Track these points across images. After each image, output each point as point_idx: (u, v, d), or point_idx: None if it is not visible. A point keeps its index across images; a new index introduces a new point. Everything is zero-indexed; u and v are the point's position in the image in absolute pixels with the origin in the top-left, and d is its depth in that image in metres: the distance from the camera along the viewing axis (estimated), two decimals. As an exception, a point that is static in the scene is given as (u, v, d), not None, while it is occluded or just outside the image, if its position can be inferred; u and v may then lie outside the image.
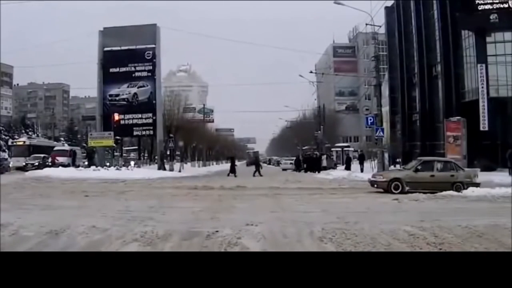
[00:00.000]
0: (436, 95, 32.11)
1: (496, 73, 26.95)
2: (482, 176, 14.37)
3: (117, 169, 25.64)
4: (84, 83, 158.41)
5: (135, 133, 33.78)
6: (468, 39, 28.64)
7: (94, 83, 34.30)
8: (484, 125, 25.84)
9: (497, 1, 26.23)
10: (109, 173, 22.93)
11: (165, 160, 33.19)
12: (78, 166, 28.19)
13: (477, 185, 12.79)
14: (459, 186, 12.66)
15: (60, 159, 30.27)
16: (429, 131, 31.93)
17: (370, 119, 24.61)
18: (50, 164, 29.05)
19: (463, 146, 25.32)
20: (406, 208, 9.07)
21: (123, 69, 33.26)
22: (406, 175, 13.52)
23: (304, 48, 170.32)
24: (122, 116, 32.11)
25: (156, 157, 37.30)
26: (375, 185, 13.51)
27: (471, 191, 11.86)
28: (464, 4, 27.44)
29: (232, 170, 25.74)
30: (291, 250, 4.94)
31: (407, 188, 12.80)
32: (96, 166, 26.03)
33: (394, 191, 12.74)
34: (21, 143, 36.59)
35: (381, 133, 24.11)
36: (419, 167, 13.62)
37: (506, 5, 25.86)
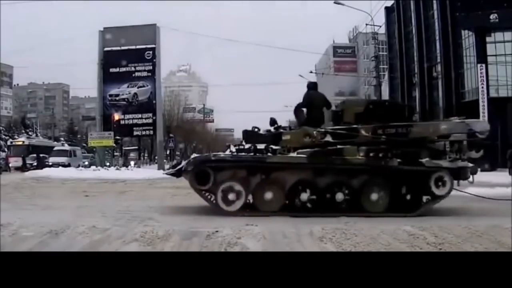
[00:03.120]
0: (436, 95, 32.13)
1: (496, 73, 26.95)
2: (482, 176, 14.36)
3: (117, 169, 25.64)
4: (84, 83, 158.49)
5: (135, 133, 33.77)
6: (468, 39, 28.65)
7: (94, 83, 34.31)
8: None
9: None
10: (109, 173, 22.93)
11: (165, 160, 33.21)
12: (78, 166, 28.22)
13: None
14: None
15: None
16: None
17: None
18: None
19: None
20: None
21: (123, 69, 33.24)
22: None
23: (304, 48, 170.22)
24: (122, 116, 32.12)
25: (156, 157, 37.32)
26: None
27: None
28: (464, 4, 27.43)
29: None
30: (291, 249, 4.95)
31: None
32: (97, 166, 26.06)
33: None
34: (20, 143, 36.59)
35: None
36: None
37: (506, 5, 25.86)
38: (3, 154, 33.05)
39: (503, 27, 26.62)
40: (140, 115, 32.88)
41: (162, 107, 35.37)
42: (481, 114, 25.99)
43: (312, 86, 9.18)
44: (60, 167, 27.25)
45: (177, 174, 8.47)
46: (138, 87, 33.22)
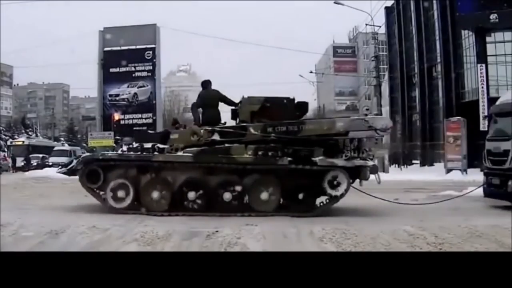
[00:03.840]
0: (436, 95, 32.11)
1: (496, 73, 26.93)
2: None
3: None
4: (84, 83, 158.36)
5: (135, 133, 33.78)
6: (468, 39, 28.64)
7: (94, 83, 34.35)
8: (484, 125, 25.79)
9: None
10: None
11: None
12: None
13: None
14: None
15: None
16: (429, 131, 31.94)
17: (370, 119, 24.62)
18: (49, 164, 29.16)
19: (463, 146, 25.32)
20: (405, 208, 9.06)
21: (123, 69, 33.28)
22: None
23: (304, 48, 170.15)
24: (122, 116, 32.17)
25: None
26: None
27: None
28: (464, 4, 27.43)
29: None
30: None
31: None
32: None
33: None
34: (20, 143, 36.59)
35: (381, 133, 24.11)
36: None
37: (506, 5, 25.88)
38: (3, 154, 32.99)
39: (503, 27, 26.61)
40: (140, 115, 32.91)
41: (162, 107, 35.40)
42: (481, 114, 25.98)
43: (205, 85, 8.92)
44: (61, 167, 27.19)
45: (69, 173, 8.49)
46: (138, 87, 33.25)
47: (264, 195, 7.80)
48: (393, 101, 39.09)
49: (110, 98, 33.15)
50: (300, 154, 7.83)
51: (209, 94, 8.72)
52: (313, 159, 7.78)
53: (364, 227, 6.17)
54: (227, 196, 7.78)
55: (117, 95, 33.22)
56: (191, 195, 7.77)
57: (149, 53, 33.31)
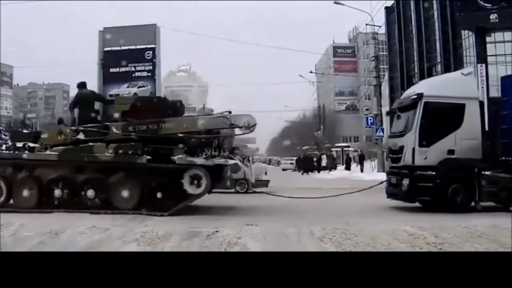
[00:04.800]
0: (436, 95, 32.08)
1: (496, 73, 26.91)
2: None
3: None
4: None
5: (135, 133, 33.77)
6: (468, 39, 28.63)
7: (94, 83, 34.28)
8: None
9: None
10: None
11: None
12: None
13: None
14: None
15: None
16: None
17: (370, 119, 24.68)
18: None
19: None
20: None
21: (123, 69, 33.21)
22: None
23: (304, 48, 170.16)
24: (122, 116, 32.19)
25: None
26: None
27: None
28: (464, 4, 27.42)
29: None
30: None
31: None
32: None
33: None
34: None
35: (381, 133, 24.13)
36: None
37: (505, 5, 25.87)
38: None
39: (503, 27, 26.59)
40: (140, 115, 32.92)
41: (162, 107, 35.35)
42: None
43: (81, 86, 9.22)
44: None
45: None
46: (138, 87, 33.15)
47: (125, 193, 7.93)
48: (393, 101, 39.00)
49: (110, 98, 33.14)
50: (159, 153, 7.95)
51: (85, 95, 9.10)
52: (172, 157, 7.89)
53: (364, 227, 6.16)
54: (90, 193, 7.98)
55: (117, 95, 33.20)
56: (57, 192, 8.00)
57: (149, 53, 33.22)
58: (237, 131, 8.42)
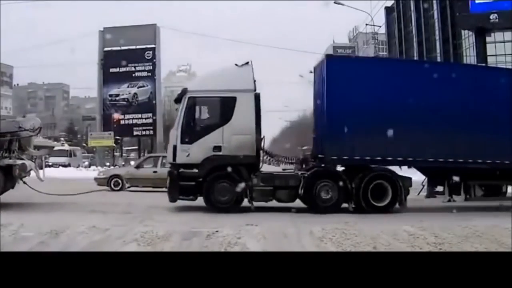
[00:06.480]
0: (436, 95, 32.13)
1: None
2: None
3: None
4: (84, 83, 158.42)
5: (135, 133, 33.76)
6: (468, 39, 28.66)
7: (94, 83, 34.31)
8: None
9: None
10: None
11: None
12: (78, 166, 28.23)
13: None
14: None
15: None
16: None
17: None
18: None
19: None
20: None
21: (123, 69, 33.24)
22: (126, 171, 13.89)
23: (304, 48, 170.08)
24: (122, 116, 32.16)
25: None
26: (97, 183, 13.56)
27: None
28: (464, 4, 27.43)
29: None
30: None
31: (127, 185, 13.22)
32: (97, 166, 26.09)
33: (114, 188, 13.15)
34: None
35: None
36: (142, 164, 14.10)
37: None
38: None
39: (503, 27, 26.61)
40: (140, 115, 32.87)
41: (162, 107, 35.35)
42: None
43: None
44: (60, 167, 27.23)
45: None
46: (138, 87, 33.20)
47: None
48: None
49: (110, 98, 33.11)
50: None
51: None
52: None
53: (364, 227, 6.16)
54: None
55: (117, 95, 33.19)
56: None
57: (149, 53, 33.28)
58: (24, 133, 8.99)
